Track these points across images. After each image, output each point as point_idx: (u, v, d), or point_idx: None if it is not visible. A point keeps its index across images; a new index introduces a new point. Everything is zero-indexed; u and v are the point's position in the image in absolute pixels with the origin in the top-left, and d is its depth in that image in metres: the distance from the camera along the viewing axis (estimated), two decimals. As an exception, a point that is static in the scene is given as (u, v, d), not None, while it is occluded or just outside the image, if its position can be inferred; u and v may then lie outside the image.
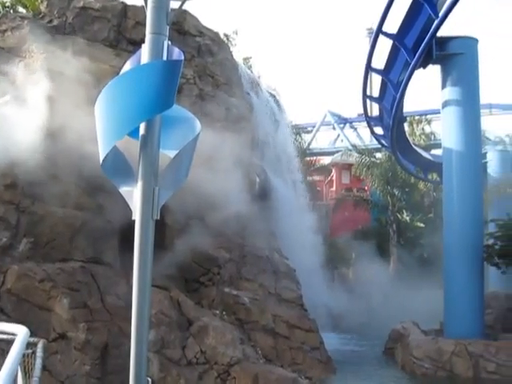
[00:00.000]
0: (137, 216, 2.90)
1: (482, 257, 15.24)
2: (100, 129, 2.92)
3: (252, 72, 23.91)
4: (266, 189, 16.98)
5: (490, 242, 15.59)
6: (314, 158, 40.12)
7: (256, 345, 12.56)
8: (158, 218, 2.92)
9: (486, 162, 27.08)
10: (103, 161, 2.88)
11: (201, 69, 15.10)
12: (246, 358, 11.55)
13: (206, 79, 15.00)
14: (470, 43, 16.30)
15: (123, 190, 2.98)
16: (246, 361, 11.42)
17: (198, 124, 3.17)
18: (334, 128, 51.19)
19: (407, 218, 33.40)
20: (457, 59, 16.01)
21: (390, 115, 19.12)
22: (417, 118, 38.50)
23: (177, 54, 3.09)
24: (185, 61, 3.20)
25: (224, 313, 12.59)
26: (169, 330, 11.48)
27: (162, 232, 12.94)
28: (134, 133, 3.00)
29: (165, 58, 3.02)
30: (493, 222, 16.69)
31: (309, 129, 47.23)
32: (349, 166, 38.66)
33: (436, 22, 15.02)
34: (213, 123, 14.41)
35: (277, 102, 22.77)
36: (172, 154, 3.05)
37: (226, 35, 24.17)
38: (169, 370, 10.95)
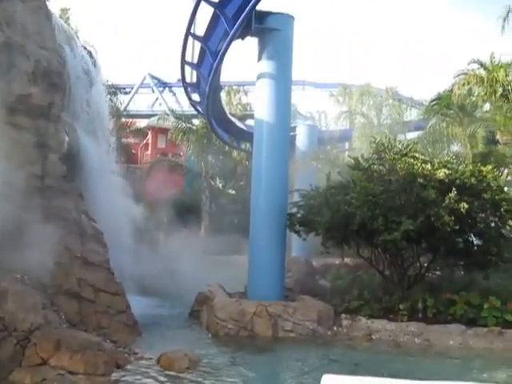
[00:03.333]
0: None
1: (284, 224, 16.15)
2: None
3: (69, 25, 22.71)
4: (76, 148, 16.34)
5: (294, 210, 16.56)
6: (131, 120, 39.37)
7: (60, 309, 12.16)
8: None
9: (295, 136, 28.55)
10: None
11: (9, 14, 13.96)
12: (48, 324, 11.14)
13: (14, 27, 13.92)
14: (287, 20, 16.87)
15: None
16: (47, 326, 11.02)
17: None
18: (153, 91, 50.56)
19: (220, 185, 34.29)
20: (273, 34, 16.50)
21: (206, 83, 19.35)
22: (235, 87, 39.31)
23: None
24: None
25: (25, 277, 11.99)
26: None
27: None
28: None
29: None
30: (297, 191, 17.73)
31: (127, 90, 46.18)
32: (165, 131, 38.58)
33: (255, -5, 15.34)
34: (20, 76, 13.48)
35: (93, 59, 21.86)
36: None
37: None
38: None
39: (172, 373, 10.34)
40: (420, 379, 9.77)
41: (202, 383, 9.97)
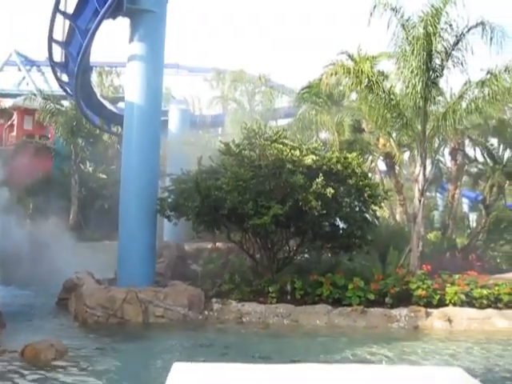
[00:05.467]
0: None
1: (155, 209, 15.97)
2: None
3: None
4: None
5: (164, 195, 16.41)
6: (-5, 99, 37.12)
7: None
8: None
9: (168, 120, 28.29)
10: None
11: None
12: None
13: None
14: (160, 1, 16.61)
15: None
16: None
17: None
18: (19, 69, 48.11)
19: (90, 169, 33.26)
20: (145, 15, 16.18)
21: (75, 62, 18.61)
22: (107, 69, 38.25)
23: None
24: None
25: None
26: None
27: None
28: None
29: None
30: (168, 176, 17.58)
31: (-9, 67, 43.53)
32: (32, 111, 36.64)
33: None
34: None
35: None
36: None
37: None
38: None
39: (37, 365, 9.89)
40: (290, 358, 10.15)
41: (69, 374, 9.63)
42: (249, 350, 11.81)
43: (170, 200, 16.18)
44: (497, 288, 15.43)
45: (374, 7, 16.72)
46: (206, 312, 14.72)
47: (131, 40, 16.34)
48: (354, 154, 16.88)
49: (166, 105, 30.28)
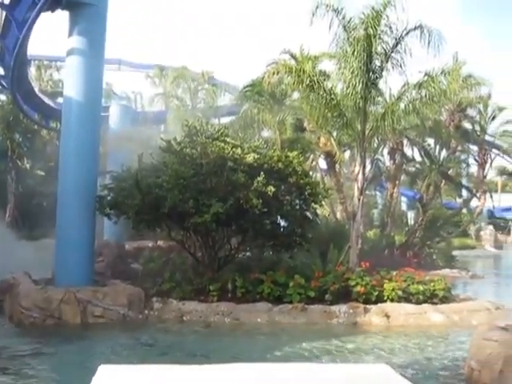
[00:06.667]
0: None
1: (94, 207, 15.66)
2: None
3: None
4: None
5: (104, 193, 16.12)
6: None
7: None
8: None
9: (108, 116, 27.85)
10: None
11: None
12: None
13: None
14: (101, -4, 16.26)
15: None
16: None
17: None
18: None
19: (28, 166, 32.42)
20: (85, 9, 15.78)
21: (11, 55, 18.11)
22: (46, 63, 37.36)
23: None
24: None
25: None
26: None
27: None
28: None
29: None
30: (109, 173, 17.28)
31: None
32: (-34, 106, 35.42)
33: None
34: None
35: None
36: None
37: None
38: None
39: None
40: (232, 357, 10.13)
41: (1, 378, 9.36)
42: (189, 349, 11.78)
43: (109, 198, 15.89)
44: (432, 284, 15.91)
45: (317, 8, 16.90)
46: (147, 311, 14.55)
47: (70, 34, 15.93)
48: (296, 153, 17.03)
49: (107, 101, 29.85)
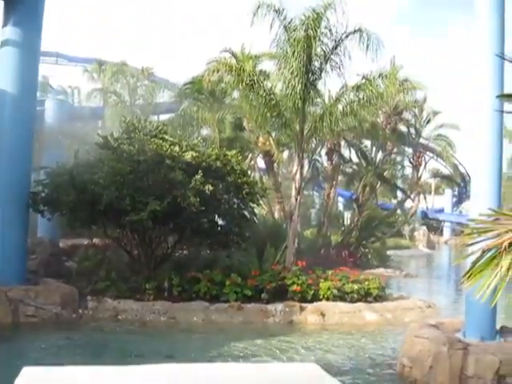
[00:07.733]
0: None
1: (27, 203, 15.21)
2: None
3: None
4: None
5: (38, 189, 15.68)
6: None
7: None
8: None
9: (44, 110, 27.09)
10: None
11: None
12: None
13: None
14: (38, -13, 15.82)
15: None
16: None
17: None
18: None
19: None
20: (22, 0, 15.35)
21: None
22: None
23: None
24: None
25: None
26: None
27: None
28: None
29: None
30: (43, 169, 16.82)
31: None
32: None
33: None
34: None
35: None
36: None
37: None
38: None
39: None
40: (167, 356, 10.04)
41: None
42: (125, 348, 11.65)
43: (43, 194, 15.48)
44: (367, 283, 16.27)
45: (258, 7, 16.97)
46: (81, 310, 14.33)
47: (5, 24, 15.42)
48: (234, 152, 17.08)
49: (44, 94, 28.97)
